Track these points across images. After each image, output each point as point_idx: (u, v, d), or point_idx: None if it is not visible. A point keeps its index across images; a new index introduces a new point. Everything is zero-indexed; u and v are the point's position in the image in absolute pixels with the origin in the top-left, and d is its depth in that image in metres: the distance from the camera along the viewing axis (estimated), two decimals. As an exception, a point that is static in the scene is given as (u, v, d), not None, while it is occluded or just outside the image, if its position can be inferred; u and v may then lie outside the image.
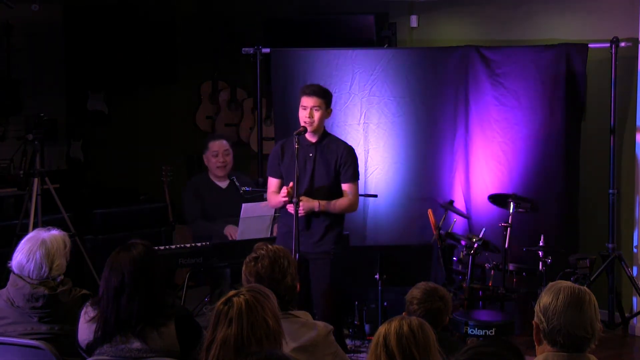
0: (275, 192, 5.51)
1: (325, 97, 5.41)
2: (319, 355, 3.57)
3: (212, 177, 6.60)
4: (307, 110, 5.37)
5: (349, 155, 5.44)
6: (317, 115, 5.37)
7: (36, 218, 6.28)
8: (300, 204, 5.27)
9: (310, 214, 5.40)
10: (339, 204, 5.42)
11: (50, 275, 3.88)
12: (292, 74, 7.06)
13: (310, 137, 5.43)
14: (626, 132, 6.71)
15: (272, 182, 5.54)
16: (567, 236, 6.61)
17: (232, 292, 3.06)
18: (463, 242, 6.16)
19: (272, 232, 6.12)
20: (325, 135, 5.48)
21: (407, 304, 4.16)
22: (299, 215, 5.28)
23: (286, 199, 5.29)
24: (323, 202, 5.36)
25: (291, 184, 5.28)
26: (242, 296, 3.01)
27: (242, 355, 2.67)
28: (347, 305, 6.30)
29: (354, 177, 5.46)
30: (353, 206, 5.52)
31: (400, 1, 7.81)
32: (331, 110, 5.51)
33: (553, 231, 6.42)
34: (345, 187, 5.44)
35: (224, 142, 6.59)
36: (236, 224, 6.12)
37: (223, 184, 6.57)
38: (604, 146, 6.60)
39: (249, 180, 6.82)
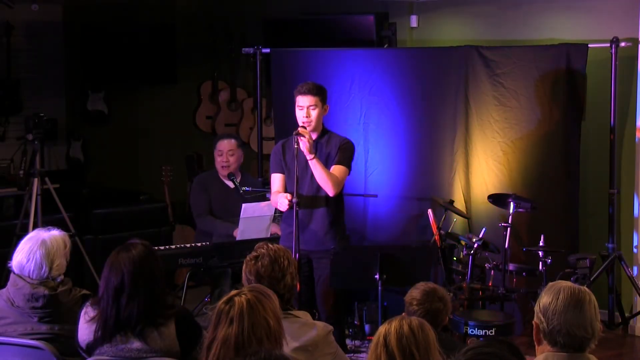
0: (280, 190, 5.47)
1: (320, 94, 5.39)
2: (318, 355, 3.58)
3: (220, 176, 6.59)
4: (303, 110, 5.36)
5: (346, 145, 5.43)
6: (314, 114, 5.36)
7: (36, 218, 6.28)
8: (306, 139, 5.20)
9: (313, 213, 5.40)
10: (327, 171, 5.33)
11: (50, 275, 3.89)
12: (292, 74, 7.06)
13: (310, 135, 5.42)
14: (626, 131, 6.71)
15: (275, 178, 5.49)
16: (567, 236, 6.60)
17: (234, 292, 3.06)
18: (463, 242, 6.16)
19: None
20: (324, 132, 5.47)
21: (407, 304, 4.16)
22: (305, 145, 5.22)
23: (287, 207, 5.26)
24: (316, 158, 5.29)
25: (290, 196, 5.26)
26: (243, 296, 3.02)
27: (242, 354, 2.67)
28: (347, 305, 6.30)
29: (344, 162, 5.39)
30: (335, 182, 5.35)
31: (400, 1, 7.81)
32: (328, 106, 5.49)
33: (553, 231, 6.41)
34: (333, 168, 5.39)
35: (233, 141, 6.56)
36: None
37: (231, 183, 6.56)
38: (604, 146, 6.60)
39: (254, 180, 6.79)
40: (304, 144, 5.20)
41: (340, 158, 5.40)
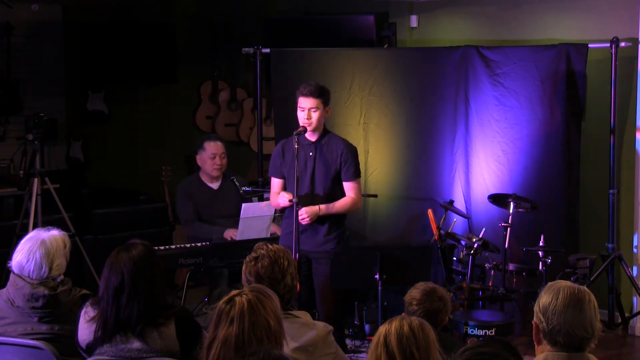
0: (278, 192, 5.50)
1: (322, 96, 5.38)
2: (318, 355, 3.57)
3: (203, 178, 6.56)
4: (305, 111, 5.36)
5: (349, 153, 5.43)
6: (315, 115, 5.35)
7: (36, 218, 6.27)
8: (306, 217, 5.27)
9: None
10: (341, 204, 5.41)
11: (50, 275, 3.88)
12: (292, 74, 7.06)
13: (310, 136, 5.43)
14: (626, 132, 6.71)
15: (275, 182, 5.54)
16: (567, 236, 6.60)
17: (235, 292, 3.06)
18: (463, 242, 6.16)
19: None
20: (325, 134, 5.47)
21: (407, 304, 4.17)
22: (306, 222, 5.28)
23: (287, 204, 5.29)
24: (323, 207, 5.35)
25: (291, 195, 5.27)
26: (244, 296, 3.02)
27: (242, 354, 2.67)
28: (347, 305, 6.30)
29: (355, 174, 5.45)
30: (356, 204, 5.51)
31: (400, 1, 7.82)
32: (330, 108, 5.50)
33: (553, 231, 6.41)
34: (347, 185, 5.43)
35: (220, 143, 6.55)
36: (236, 226, 6.10)
37: (214, 185, 6.55)
38: (604, 146, 6.60)
39: (244, 182, 6.80)
40: (306, 218, 5.29)
41: (351, 171, 5.42)
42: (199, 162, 6.57)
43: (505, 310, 6.06)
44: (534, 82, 6.61)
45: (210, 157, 6.48)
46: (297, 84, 5.52)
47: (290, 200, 5.26)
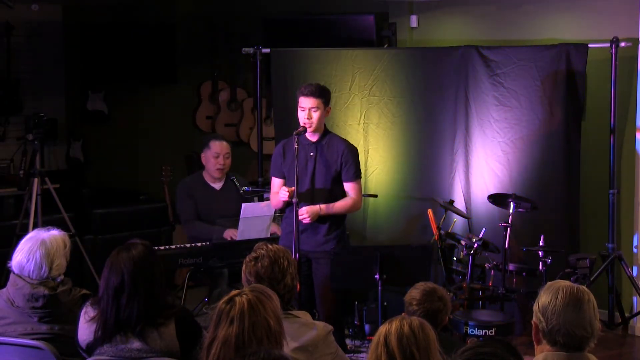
0: (278, 192, 5.49)
1: (323, 96, 5.38)
2: (318, 355, 3.57)
3: (206, 178, 6.55)
4: (305, 111, 5.35)
5: (350, 154, 5.43)
6: (316, 115, 5.35)
7: (36, 218, 6.28)
8: (307, 216, 5.28)
9: None
10: (342, 204, 5.41)
11: (50, 275, 3.89)
12: (292, 74, 7.06)
13: (311, 137, 5.43)
14: (626, 131, 6.71)
15: (275, 182, 5.52)
16: (567, 236, 6.60)
17: (235, 292, 3.06)
18: (463, 242, 6.16)
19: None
20: (325, 134, 5.47)
21: (407, 304, 4.16)
22: (306, 222, 5.28)
23: (286, 198, 5.29)
24: (323, 206, 5.35)
25: (292, 188, 5.27)
26: (244, 296, 3.02)
27: (242, 354, 2.67)
28: (347, 305, 6.30)
29: (356, 175, 5.45)
30: (356, 205, 5.51)
31: (400, 1, 7.82)
32: (330, 108, 5.49)
33: (553, 231, 6.41)
34: (347, 186, 5.43)
35: (225, 143, 6.54)
36: (236, 226, 6.10)
37: (217, 185, 6.53)
38: (604, 146, 6.60)
39: (244, 182, 6.80)
40: (307, 217, 5.30)
41: (351, 172, 5.42)
42: (203, 161, 6.56)
43: (505, 310, 6.05)
44: (534, 82, 6.61)
45: (214, 156, 6.47)
46: (297, 84, 5.53)
47: (291, 200, 5.26)
